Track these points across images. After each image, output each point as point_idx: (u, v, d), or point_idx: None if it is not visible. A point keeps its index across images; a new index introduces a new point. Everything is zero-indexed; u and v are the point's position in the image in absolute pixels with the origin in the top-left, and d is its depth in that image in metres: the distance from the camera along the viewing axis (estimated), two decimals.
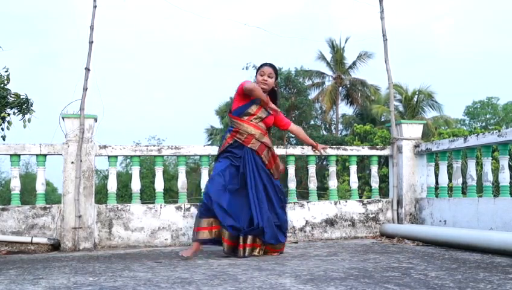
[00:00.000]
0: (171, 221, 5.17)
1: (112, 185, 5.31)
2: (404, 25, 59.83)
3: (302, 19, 57.15)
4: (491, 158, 4.99)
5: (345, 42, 32.02)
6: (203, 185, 5.00)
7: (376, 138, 21.52)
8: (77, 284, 2.81)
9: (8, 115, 4.34)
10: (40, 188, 5.15)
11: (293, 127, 4.50)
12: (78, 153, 4.98)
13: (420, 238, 4.85)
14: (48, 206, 4.98)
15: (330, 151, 5.83)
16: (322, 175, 20.20)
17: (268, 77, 4.21)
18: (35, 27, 69.04)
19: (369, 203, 5.76)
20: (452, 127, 27.58)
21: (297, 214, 5.49)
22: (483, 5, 67.77)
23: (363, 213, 5.70)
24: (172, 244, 5.12)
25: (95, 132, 5.13)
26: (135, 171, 5.45)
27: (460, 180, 5.21)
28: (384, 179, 15.37)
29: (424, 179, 5.70)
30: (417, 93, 28.39)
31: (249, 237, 4.00)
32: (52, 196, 30.15)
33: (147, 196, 22.12)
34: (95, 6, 5.23)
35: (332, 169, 5.94)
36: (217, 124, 30.64)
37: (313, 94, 32.14)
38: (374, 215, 5.73)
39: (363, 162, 17.53)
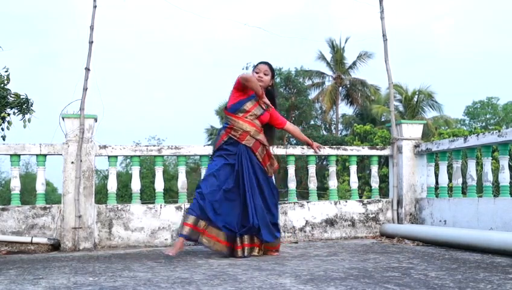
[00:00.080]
0: (171, 221, 5.17)
1: (112, 185, 5.31)
2: (404, 25, 59.86)
3: (302, 19, 57.19)
4: (491, 158, 4.99)
5: (345, 42, 32.09)
6: None
7: (376, 138, 21.54)
8: (77, 284, 2.81)
9: (8, 115, 4.34)
10: (40, 188, 5.15)
11: (289, 125, 4.50)
12: (78, 153, 4.98)
13: (420, 238, 4.85)
14: (48, 206, 4.98)
15: (330, 151, 5.82)
16: (322, 175, 20.20)
17: (264, 74, 4.21)
18: (35, 27, 69.12)
19: (369, 203, 5.76)
20: (452, 127, 27.60)
21: (297, 214, 5.49)
22: (483, 5, 67.84)
23: (363, 213, 5.70)
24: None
25: (95, 132, 5.13)
26: (135, 171, 5.45)
27: (460, 180, 5.21)
28: (384, 179, 15.38)
29: (424, 179, 5.70)
30: (417, 93, 28.41)
31: (246, 237, 4.00)
32: (52, 196, 30.16)
33: (147, 196, 22.14)
34: (95, 6, 5.23)
35: (332, 169, 5.93)
36: (217, 124, 30.66)
37: (313, 94, 32.19)
38: (374, 215, 5.73)
39: (363, 162, 17.55)
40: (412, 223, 5.59)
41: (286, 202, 5.63)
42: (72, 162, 4.97)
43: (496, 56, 62.28)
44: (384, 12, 5.88)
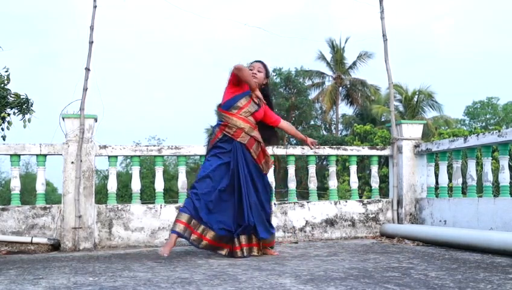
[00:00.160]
0: (171, 221, 5.14)
1: (112, 185, 5.31)
2: (404, 25, 59.86)
3: (302, 19, 57.19)
4: (491, 158, 4.99)
5: (345, 42, 32.10)
6: None
7: (376, 138, 21.54)
8: (77, 284, 2.81)
9: (8, 115, 4.34)
10: (40, 188, 5.15)
11: (283, 123, 4.46)
12: (78, 153, 4.98)
13: (420, 239, 4.85)
14: (48, 206, 4.98)
15: (330, 151, 5.83)
16: (322, 175, 20.20)
17: (258, 71, 4.21)
18: (35, 27, 69.11)
19: (369, 203, 5.76)
20: (452, 127, 27.60)
21: (297, 214, 5.49)
22: (483, 5, 67.83)
23: (363, 213, 5.70)
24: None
25: (95, 132, 5.13)
26: (135, 171, 5.45)
27: (460, 180, 5.21)
28: (384, 179, 15.38)
29: (424, 179, 5.70)
30: (417, 93, 28.40)
31: (243, 237, 4.00)
32: (52, 196, 30.15)
33: (147, 196, 22.14)
34: (95, 7, 5.23)
35: (333, 169, 5.94)
36: None
37: (313, 94, 32.20)
38: (374, 215, 5.73)
39: (363, 162, 17.54)
40: (412, 223, 5.59)
41: (286, 202, 5.63)
42: (72, 162, 4.97)
43: (496, 56, 62.33)
44: (384, 12, 5.88)
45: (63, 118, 5.05)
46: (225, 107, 4.14)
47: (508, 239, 3.76)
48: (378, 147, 6.22)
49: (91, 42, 5.22)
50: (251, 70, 4.18)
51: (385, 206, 5.77)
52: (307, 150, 5.71)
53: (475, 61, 64.83)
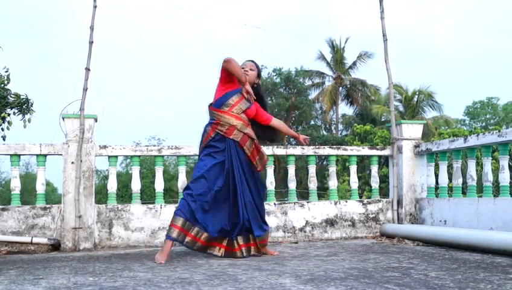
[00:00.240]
0: None
1: (112, 185, 5.31)
2: (404, 25, 59.86)
3: (302, 19, 57.17)
4: (491, 158, 4.99)
5: (345, 42, 32.10)
6: None
7: (376, 138, 21.54)
8: (77, 284, 2.81)
9: (8, 115, 4.34)
10: (40, 188, 5.15)
11: (275, 121, 4.41)
12: (78, 153, 4.98)
13: (420, 239, 4.85)
14: (48, 206, 4.98)
15: (330, 151, 5.83)
16: (322, 175, 20.21)
17: (250, 69, 4.20)
18: (35, 27, 69.07)
19: (369, 203, 5.76)
20: (452, 127, 27.60)
21: (297, 214, 5.49)
22: (483, 5, 67.83)
23: (363, 213, 5.70)
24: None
25: (95, 132, 5.13)
26: (135, 171, 5.46)
27: (460, 181, 5.21)
28: (384, 179, 15.39)
29: (424, 179, 5.70)
30: (417, 93, 28.41)
31: (240, 238, 3.99)
32: (52, 196, 30.14)
33: (147, 196, 22.13)
34: (95, 7, 5.23)
35: (333, 169, 5.94)
36: None
37: (313, 94, 32.20)
38: (374, 215, 5.73)
39: (363, 162, 17.55)
40: (412, 223, 5.59)
41: (286, 202, 5.63)
42: (72, 162, 4.97)
43: (496, 56, 62.33)
44: (384, 12, 5.88)
45: (63, 118, 5.05)
46: (216, 105, 4.10)
47: (508, 239, 3.77)
48: (378, 147, 6.22)
49: (91, 42, 5.22)
50: (243, 68, 4.17)
51: (385, 206, 5.77)
52: (306, 150, 5.72)
53: (475, 61, 64.89)
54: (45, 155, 5.10)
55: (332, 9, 54.91)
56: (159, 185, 5.42)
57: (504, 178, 4.66)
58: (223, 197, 3.97)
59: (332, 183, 5.87)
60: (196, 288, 2.61)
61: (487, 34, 66.32)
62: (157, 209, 5.19)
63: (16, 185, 5.07)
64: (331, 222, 5.59)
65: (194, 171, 4.06)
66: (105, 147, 5.19)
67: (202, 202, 3.88)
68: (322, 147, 5.89)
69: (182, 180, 5.41)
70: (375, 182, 5.99)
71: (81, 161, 4.97)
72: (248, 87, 4.04)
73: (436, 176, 5.61)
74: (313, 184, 5.76)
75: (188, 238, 3.85)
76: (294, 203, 5.53)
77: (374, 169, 6.02)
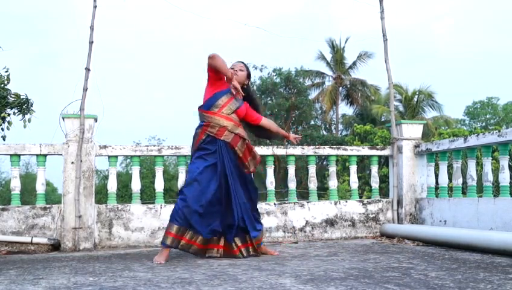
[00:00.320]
0: None
1: (112, 185, 5.32)
2: (404, 25, 59.85)
3: (302, 19, 57.15)
4: (491, 158, 4.99)
5: (345, 42, 32.07)
6: None
7: (376, 138, 21.52)
8: (77, 284, 2.81)
9: (8, 115, 4.34)
10: (40, 188, 5.15)
11: (264, 121, 4.38)
12: (78, 153, 4.98)
13: (420, 239, 4.85)
14: (48, 206, 4.99)
15: (330, 151, 5.84)
16: (322, 175, 20.19)
17: (240, 70, 4.19)
18: (35, 27, 69.07)
19: (369, 203, 5.76)
20: (452, 127, 27.58)
21: (297, 214, 5.50)
22: (483, 5, 67.82)
23: (363, 213, 5.70)
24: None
25: (95, 132, 5.14)
26: (135, 171, 5.46)
27: (460, 181, 5.21)
28: (384, 179, 15.37)
29: (424, 179, 5.70)
30: (417, 93, 28.40)
31: (237, 239, 3.99)
32: (52, 196, 30.14)
33: (147, 196, 22.12)
34: (95, 7, 5.23)
35: (333, 169, 5.94)
36: None
37: (313, 94, 32.16)
38: (374, 215, 5.73)
39: (363, 162, 17.54)
40: (412, 223, 5.59)
41: (286, 202, 5.64)
42: (72, 162, 4.97)
43: (496, 56, 62.32)
44: (384, 12, 5.88)
45: (63, 118, 5.05)
46: (206, 107, 4.06)
47: (508, 239, 3.77)
48: (378, 147, 6.22)
49: (91, 42, 5.23)
50: (232, 68, 4.16)
51: (385, 206, 5.78)
52: (306, 150, 5.72)
53: (475, 61, 64.88)
54: (45, 155, 5.10)
55: (332, 9, 54.93)
56: (159, 185, 5.42)
57: (504, 178, 4.66)
58: (217, 200, 3.93)
59: (332, 183, 5.87)
60: (196, 288, 2.61)
61: (487, 34, 66.36)
62: (157, 209, 5.19)
63: (15, 185, 5.07)
64: (331, 222, 5.59)
65: (187, 174, 4.04)
66: (105, 147, 5.19)
67: (196, 206, 3.84)
68: (322, 147, 5.89)
69: (182, 180, 5.41)
70: (375, 182, 5.99)
71: (81, 161, 4.97)
72: (235, 82, 4.02)
73: (436, 176, 5.61)
74: (313, 184, 5.76)
75: (182, 242, 3.85)
76: (294, 203, 5.53)
77: (374, 169, 6.02)
